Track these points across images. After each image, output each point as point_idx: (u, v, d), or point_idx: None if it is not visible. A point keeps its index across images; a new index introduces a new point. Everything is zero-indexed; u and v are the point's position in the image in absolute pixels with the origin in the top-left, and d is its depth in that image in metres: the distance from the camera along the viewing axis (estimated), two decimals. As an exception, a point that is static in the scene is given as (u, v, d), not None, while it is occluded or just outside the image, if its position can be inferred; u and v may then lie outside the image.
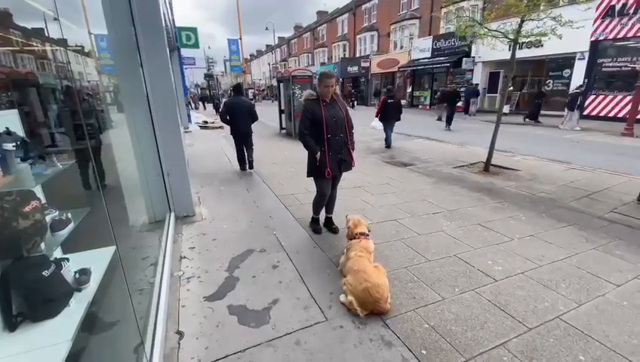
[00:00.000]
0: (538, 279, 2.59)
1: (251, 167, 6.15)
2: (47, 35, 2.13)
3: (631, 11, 11.80)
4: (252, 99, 23.26)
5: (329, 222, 3.53)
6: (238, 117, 5.77)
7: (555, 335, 2.00)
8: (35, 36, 2.27)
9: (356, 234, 2.64)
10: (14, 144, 1.43)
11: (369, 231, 2.74)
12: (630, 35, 11.94)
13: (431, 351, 1.89)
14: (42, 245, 1.48)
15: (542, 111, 14.22)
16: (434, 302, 2.32)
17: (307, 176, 3.29)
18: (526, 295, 2.39)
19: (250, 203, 4.41)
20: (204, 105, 30.59)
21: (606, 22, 12.49)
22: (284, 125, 11.65)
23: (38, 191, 1.67)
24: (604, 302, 2.32)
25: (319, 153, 3.05)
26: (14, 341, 1.29)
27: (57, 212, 1.67)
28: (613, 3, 12.23)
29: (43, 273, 1.39)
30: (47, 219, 1.56)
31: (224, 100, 12.10)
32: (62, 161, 1.79)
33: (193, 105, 26.80)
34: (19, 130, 1.60)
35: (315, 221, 3.52)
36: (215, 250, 3.13)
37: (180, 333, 2.05)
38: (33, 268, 1.38)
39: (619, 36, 12.25)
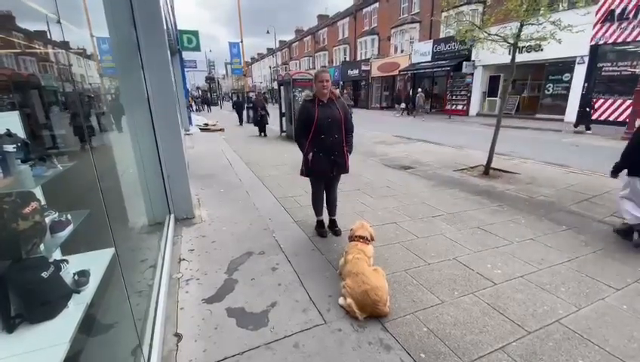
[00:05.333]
0: (537, 282, 2.59)
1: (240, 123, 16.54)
2: (49, 37, 2.15)
3: (631, 15, 11.84)
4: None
5: (332, 224, 3.53)
6: (237, 106, 17.70)
7: (554, 339, 2.00)
8: (38, 38, 2.29)
9: (355, 237, 2.64)
10: (15, 146, 1.44)
11: (372, 238, 2.70)
12: (630, 39, 11.98)
13: (430, 354, 1.89)
14: (41, 246, 1.48)
15: (538, 115, 14.10)
16: (433, 306, 2.31)
17: (300, 175, 3.34)
18: (525, 298, 2.39)
19: (250, 205, 4.41)
20: (209, 108, 32.14)
21: (606, 26, 12.53)
22: (284, 128, 11.68)
23: (38, 192, 1.68)
24: (603, 306, 2.31)
25: (311, 154, 3.08)
26: (12, 342, 1.29)
27: (57, 213, 1.67)
28: (613, 7, 12.28)
29: (42, 274, 1.39)
30: (47, 220, 1.56)
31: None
32: (62, 163, 1.79)
33: (195, 107, 27.10)
34: (20, 131, 1.61)
35: (319, 224, 3.51)
36: (214, 252, 3.13)
37: (179, 335, 2.05)
38: (32, 270, 1.37)
39: (619, 40, 12.29)
